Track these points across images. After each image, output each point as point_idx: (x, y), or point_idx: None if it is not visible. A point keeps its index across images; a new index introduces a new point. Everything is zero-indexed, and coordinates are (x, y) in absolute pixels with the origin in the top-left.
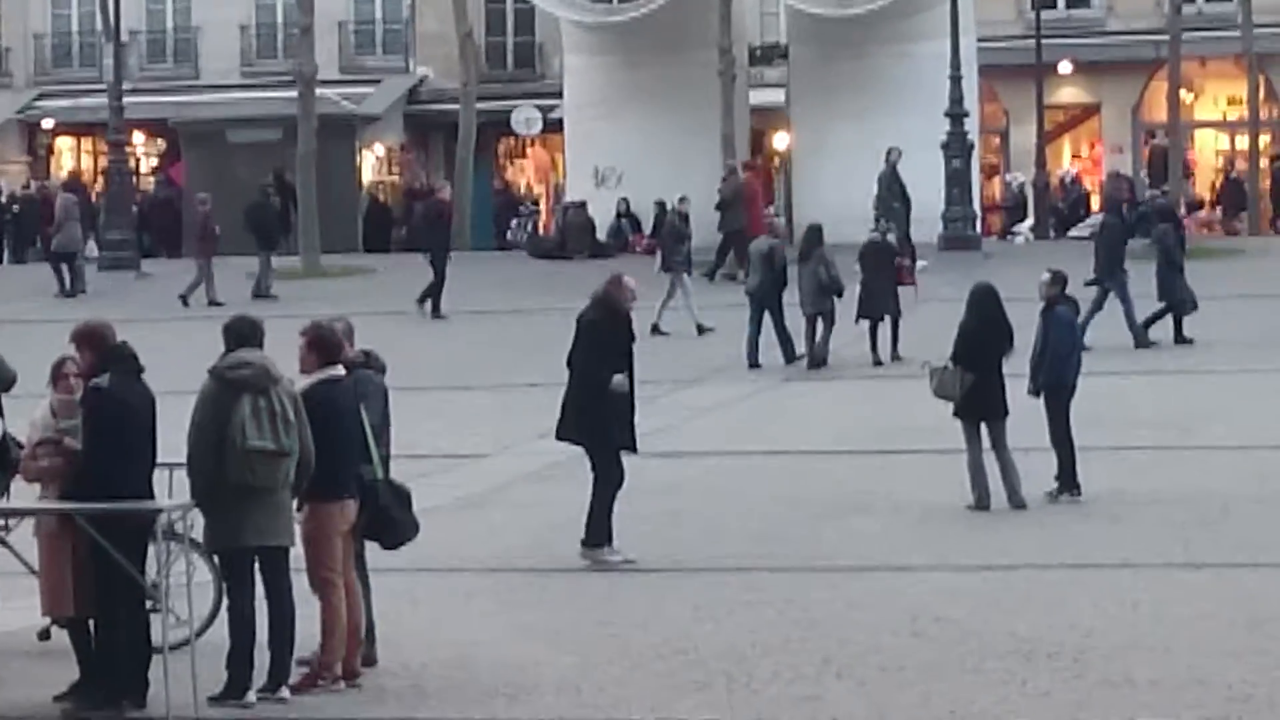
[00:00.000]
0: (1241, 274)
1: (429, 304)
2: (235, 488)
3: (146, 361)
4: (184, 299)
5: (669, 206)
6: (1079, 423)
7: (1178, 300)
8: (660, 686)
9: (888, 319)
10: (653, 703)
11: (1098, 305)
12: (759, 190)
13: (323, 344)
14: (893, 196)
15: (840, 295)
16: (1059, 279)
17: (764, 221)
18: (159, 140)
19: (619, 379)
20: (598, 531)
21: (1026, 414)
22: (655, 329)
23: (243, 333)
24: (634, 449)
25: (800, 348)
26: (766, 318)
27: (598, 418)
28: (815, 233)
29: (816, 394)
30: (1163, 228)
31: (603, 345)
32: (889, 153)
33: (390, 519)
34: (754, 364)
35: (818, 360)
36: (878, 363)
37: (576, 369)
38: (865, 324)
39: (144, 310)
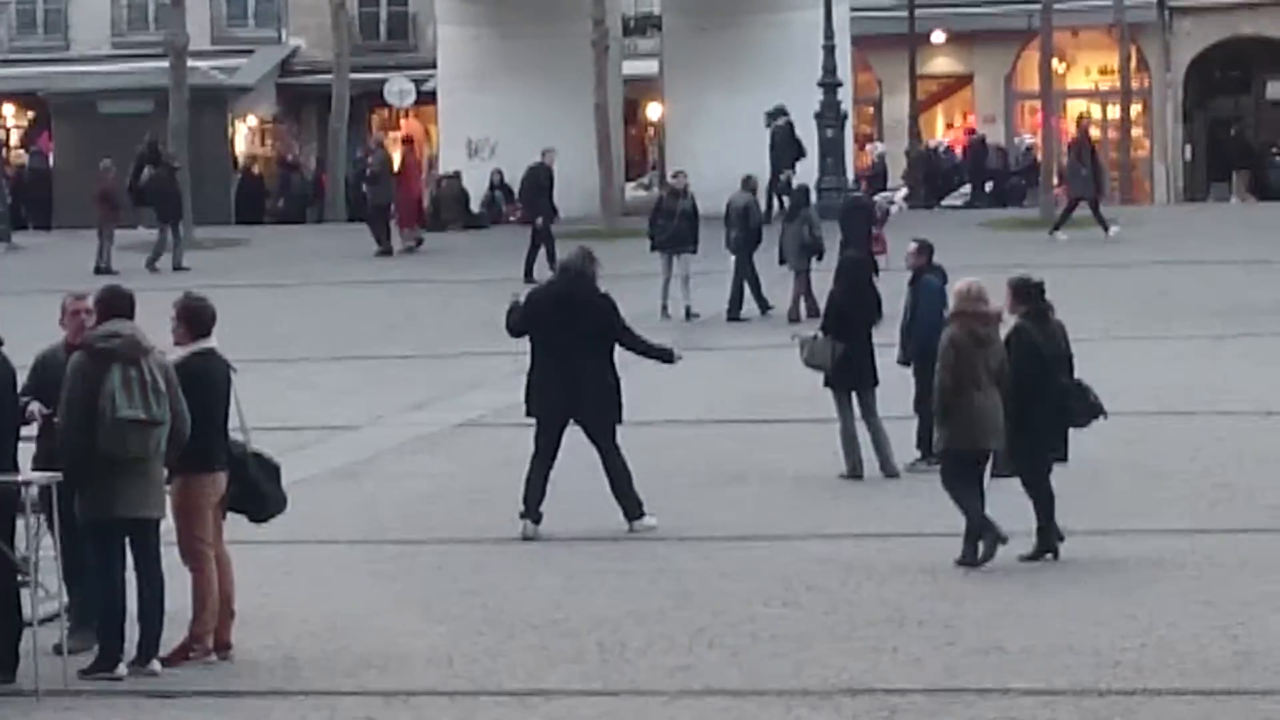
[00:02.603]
0: (1110, 243)
1: (533, 269)
2: (106, 459)
3: (14, 335)
4: (151, 266)
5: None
6: None
7: None
8: (532, 657)
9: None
10: (525, 673)
11: None
12: (413, 165)
13: (194, 316)
14: (1081, 164)
15: (821, 256)
16: (925, 249)
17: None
18: (29, 112)
19: None
20: (636, 501)
21: (898, 383)
22: (688, 312)
23: (114, 304)
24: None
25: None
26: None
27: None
28: (803, 194)
29: (688, 364)
30: None
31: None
32: (1079, 119)
33: (259, 492)
34: (733, 318)
35: (794, 316)
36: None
37: (609, 346)
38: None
39: (12, 283)
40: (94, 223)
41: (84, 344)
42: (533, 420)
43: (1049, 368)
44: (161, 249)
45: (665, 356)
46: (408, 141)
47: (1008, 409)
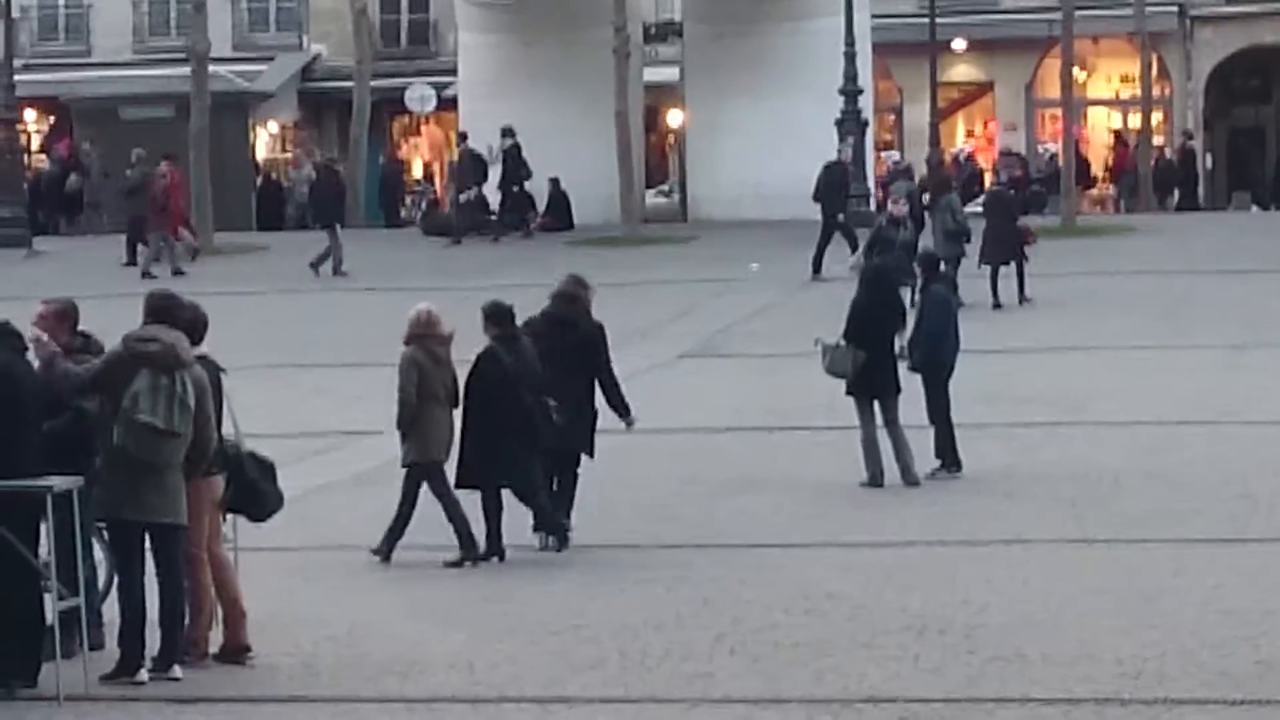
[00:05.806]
0: (1131, 251)
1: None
2: (120, 456)
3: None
4: (314, 268)
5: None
6: (971, 400)
7: None
8: (552, 664)
9: (1013, 264)
10: (545, 680)
11: None
12: (178, 182)
13: (171, 318)
14: None
15: (969, 239)
16: (922, 260)
17: (184, 216)
18: (50, 117)
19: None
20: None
21: (919, 392)
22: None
23: (161, 310)
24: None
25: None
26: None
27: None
28: (944, 182)
29: (709, 371)
30: None
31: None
32: None
33: (258, 491)
34: None
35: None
36: (997, 305)
37: (592, 375)
38: (987, 269)
39: (33, 289)
40: (123, 228)
41: (123, 341)
42: None
43: (518, 388)
44: (329, 252)
45: (624, 414)
46: (169, 157)
47: (479, 426)
